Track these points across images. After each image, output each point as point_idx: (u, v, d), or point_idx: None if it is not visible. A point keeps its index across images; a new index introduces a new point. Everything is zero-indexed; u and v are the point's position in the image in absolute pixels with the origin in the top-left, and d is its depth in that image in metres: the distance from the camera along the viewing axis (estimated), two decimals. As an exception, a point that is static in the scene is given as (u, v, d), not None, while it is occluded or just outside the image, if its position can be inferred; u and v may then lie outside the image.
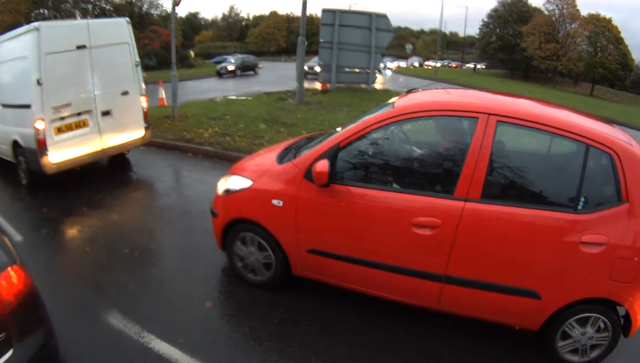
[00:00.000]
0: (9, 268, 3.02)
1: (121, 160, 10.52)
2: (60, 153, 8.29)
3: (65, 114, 8.31)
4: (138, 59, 9.57)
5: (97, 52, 8.69)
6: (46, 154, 8.05)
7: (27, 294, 3.10)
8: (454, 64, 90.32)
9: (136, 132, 9.65)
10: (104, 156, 9.38)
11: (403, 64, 70.55)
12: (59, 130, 8.26)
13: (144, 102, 9.71)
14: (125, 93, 9.30)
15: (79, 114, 8.55)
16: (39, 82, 7.80)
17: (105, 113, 8.94)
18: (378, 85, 25.06)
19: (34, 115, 7.91)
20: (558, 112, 4.32)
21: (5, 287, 2.93)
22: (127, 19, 9.53)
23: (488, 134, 3.95)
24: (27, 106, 8.06)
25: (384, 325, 4.66)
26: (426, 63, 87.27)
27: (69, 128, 8.43)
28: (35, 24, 7.98)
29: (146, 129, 9.84)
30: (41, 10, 49.73)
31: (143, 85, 9.74)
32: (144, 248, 6.32)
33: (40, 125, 7.91)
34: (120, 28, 9.28)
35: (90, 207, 7.72)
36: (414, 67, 74.73)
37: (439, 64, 73.42)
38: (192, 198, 8.27)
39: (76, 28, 8.65)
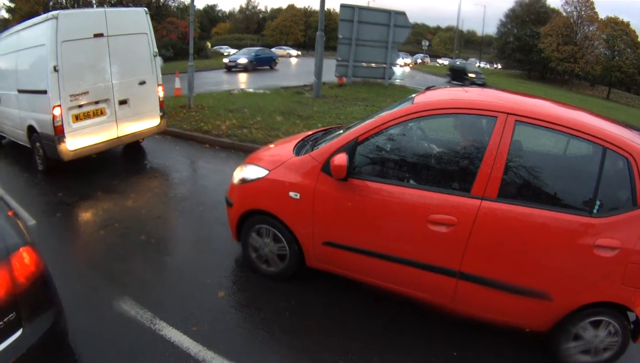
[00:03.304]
0: (22, 249, 3.05)
1: (136, 148, 10.67)
2: (78, 140, 8.44)
3: (83, 102, 8.48)
4: (156, 50, 9.70)
5: (115, 41, 8.84)
6: (64, 141, 8.22)
7: (39, 275, 3.14)
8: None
9: (152, 121, 9.85)
10: (119, 144, 9.51)
11: (408, 60, 69.91)
12: (77, 118, 8.44)
13: (160, 91, 9.90)
14: (142, 83, 9.50)
15: (96, 103, 8.73)
16: (55, 69, 7.92)
17: (123, 102, 9.14)
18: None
19: (50, 102, 8.03)
20: (576, 114, 4.29)
21: (17, 268, 2.96)
22: (146, 9, 9.63)
23: (506, 133, 3.94)
24: (44, 92, 8.16)
25: (397, 321, 4.67)
26: (439, 61, 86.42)
27: (87, 116, 8.60)
28: (54, 12, 8.09)
29: (162, 117, 10.07)
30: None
31: (160, 75, 9.86)
32: (159, 236, 6.37)
33: (57, 111, 8.05)
34: (138, 18, 9.43)
35: (106, 194, 7.82)
36: (416, 63, 74.21)
37: (446, 62, 72.96)
38: (208, 189, 8.32)
39: (93, 16, 8.73)
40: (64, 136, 8.19)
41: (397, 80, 30.15)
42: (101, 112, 8.83)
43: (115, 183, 8.30)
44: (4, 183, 8.38)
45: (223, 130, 11.73)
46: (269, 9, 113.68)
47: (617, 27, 66.64)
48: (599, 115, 4.49)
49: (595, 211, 3.78)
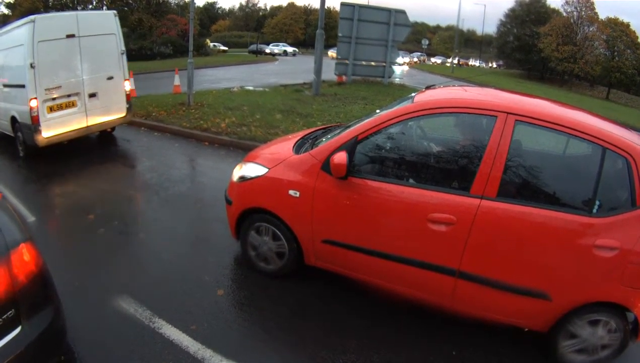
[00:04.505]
0: (21, 246, 3.04)
1: (133, 146, 10.96)
2: (51, 129, 9.44)
3: (56, 95, 9.48)
4: (124, 48, 10.78)
5: (86, 41, 9.84)
6: (39, 130, 9.19)
7: (38, 272, 3.13)
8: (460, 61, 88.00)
9: (118, 113, 10.88)
10: (88, 133, 10.48)
11: (407, 58, 69.92)
12: (51, 109, 9.42)
13: (127, 86, 11.01)
14: (110, 78, 10.52)
15: (68, 96, 9.74)
16: (32, 66, 8.90)
17: (92, 95, 10.16)
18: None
19: (28, 95, 9.01)
20: (576, 114, 4.29)
21: (16, 265, 2.95)
22: (115, 12, 10.76)
23: (506, 133, 3.94)
24: (23, 86, 9.15)
25: (396, 320, 4.65)
26: (432, 59, 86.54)
27: (60, 107, 9.61)
28: (32, 16, 9.21)
29: (128, 110, 11.08)
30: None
31: (127, 71, 10.99)
32: (158, 234, 6.36)
33: (34, 103, 9.03)
34: (107, 20, 10.48)
35: (105, 192, 7.86)
36: (415, 62, 74.31)
37: (439, 60, 72.82)
38: (207, 186, 8.33)
39: (67, 19, 9.79)
40: (39, 125, 9.15)
41: (397, 79, 30.07)
42: (72, 104, 9.82)
43: (114, 181, 8.38)
44: (3, 180, 8.40)
45: (222, 128, 11.75)
46: (268, 7, 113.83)
47: (617, 28, 66.53)
48: (599, 116, 4.49)
49: (594, 211, 3.78)
